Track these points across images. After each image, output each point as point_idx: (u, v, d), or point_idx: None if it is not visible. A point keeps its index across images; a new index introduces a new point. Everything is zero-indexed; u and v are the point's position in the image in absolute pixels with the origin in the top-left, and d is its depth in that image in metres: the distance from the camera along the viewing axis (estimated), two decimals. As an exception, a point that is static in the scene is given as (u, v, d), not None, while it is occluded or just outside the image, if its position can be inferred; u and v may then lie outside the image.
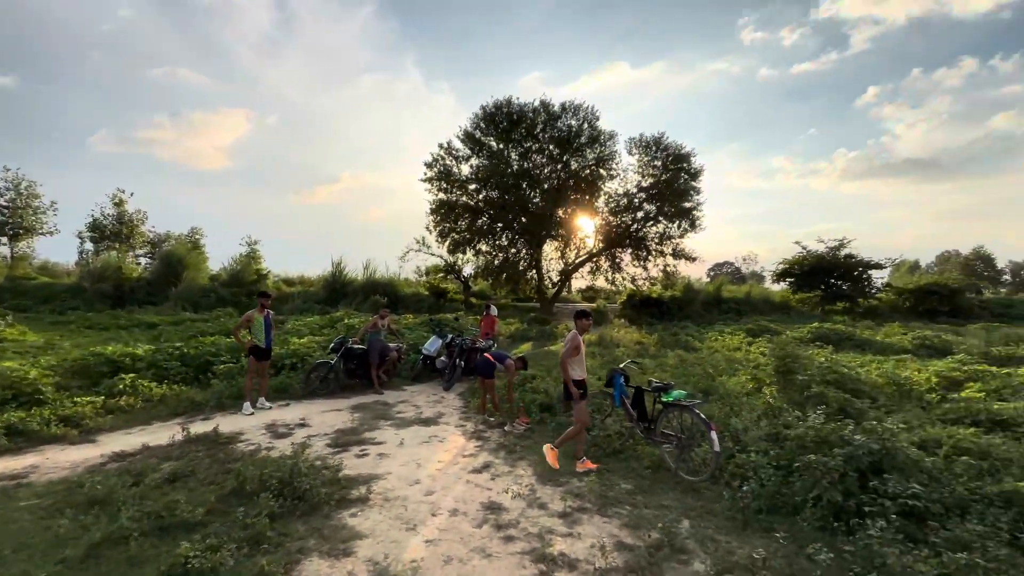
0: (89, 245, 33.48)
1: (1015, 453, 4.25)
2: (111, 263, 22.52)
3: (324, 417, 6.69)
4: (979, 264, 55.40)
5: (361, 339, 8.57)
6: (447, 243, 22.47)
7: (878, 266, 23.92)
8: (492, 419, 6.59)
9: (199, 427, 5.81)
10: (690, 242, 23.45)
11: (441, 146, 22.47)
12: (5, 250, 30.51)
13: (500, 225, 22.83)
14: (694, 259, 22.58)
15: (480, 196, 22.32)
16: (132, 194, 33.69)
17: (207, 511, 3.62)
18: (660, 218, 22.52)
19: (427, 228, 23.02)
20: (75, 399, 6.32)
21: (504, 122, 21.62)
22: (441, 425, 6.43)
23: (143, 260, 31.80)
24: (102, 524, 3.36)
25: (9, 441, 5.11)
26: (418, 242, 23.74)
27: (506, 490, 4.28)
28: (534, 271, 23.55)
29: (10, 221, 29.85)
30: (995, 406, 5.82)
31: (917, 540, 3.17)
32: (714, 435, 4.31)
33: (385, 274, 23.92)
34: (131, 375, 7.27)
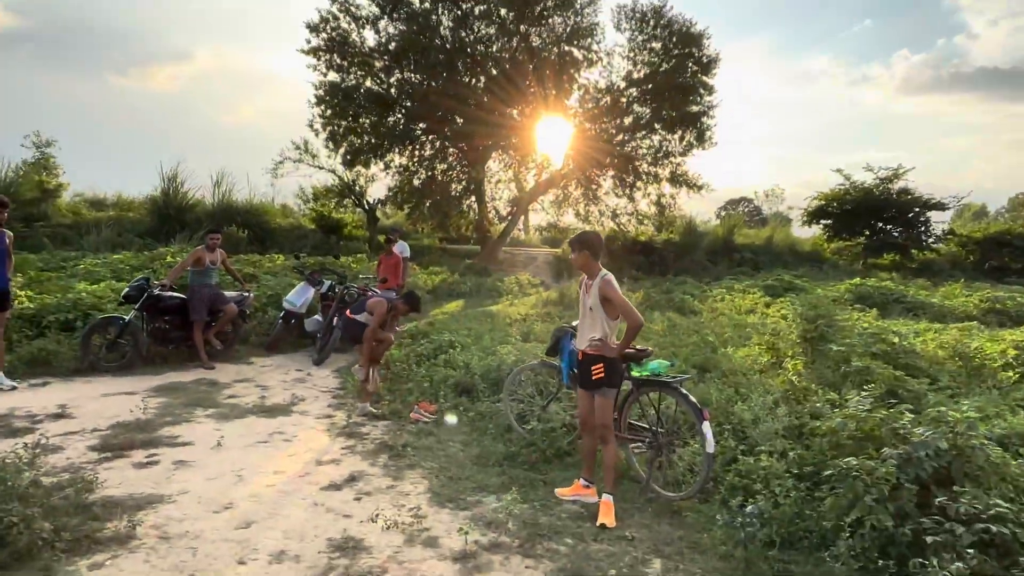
0: None
1: None
2: None
3: (101, 404, 5.85)
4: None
5: (174, 281, 7.59)
6: (341, 151, 21.07)
7: (940, 206, 24.83)
8: (376, 409, 5.96)
9: None
10: (696, 163, 23.30)
11: None
12: None
13: (422, 127, 21.61)
14: (700, 187, 22.47)
15: (392, 79, 20.87)
16: None
17: None
18: (656, 126, 22.04)
19: (311, 127, 21.42)
20: None
21: (432, -35, 20.04)
22: (294, 416, 5.76)
23: None
24: None
25: None
26: (298, 149, 22.19)
27: (375, 516, 3.69)
28: (473, 198, 22.71)
29: None
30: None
31: (1003, 587, 2.86)
32: (707, 428, 3.86)
33: (249, 197, 22.42)
34: None
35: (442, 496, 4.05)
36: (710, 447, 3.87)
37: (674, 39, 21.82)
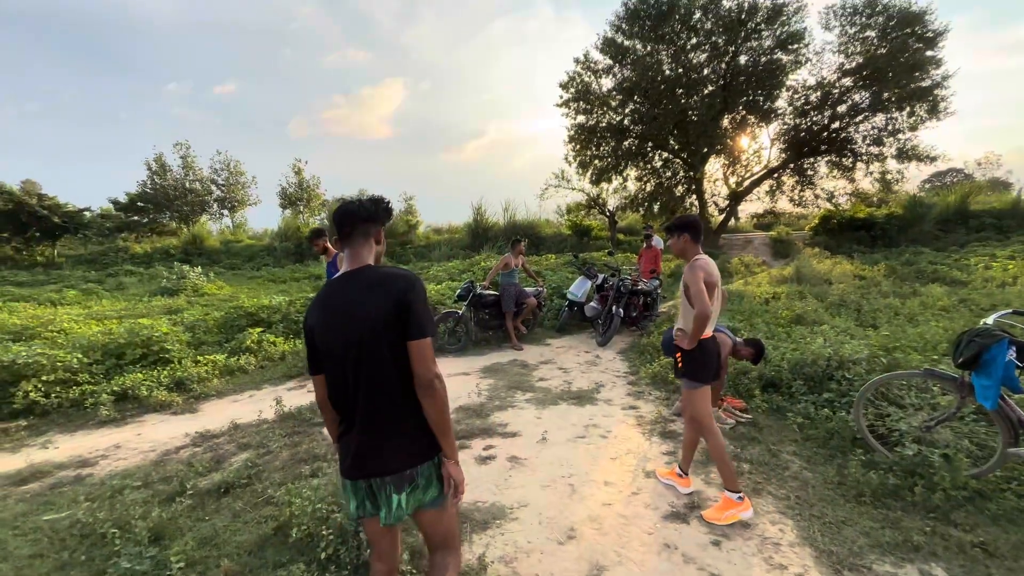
0: (286, 212, 38.63)
1: None
2: (291, 224, 24.90)
3: (448, 385, 5.10)
4: None
5: (492, 283, 6.79)
6: (589, 173, 19.55)
7: None
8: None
9: (297, 397, 4.64)
10: (928, 135, 16.82)
11: (577, 60, 19.07)
12: (227, 220, 36.66)
13: (650, 145, 19.02)
14: (933, 159, 16.11)
15: (625, 111, 18.62)
16: (307, 162, 37.37)
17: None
18: (877, 109, 16.28)
19: (566, 159, 20.33)
20: (200, 358, 5.70)
21: (651, 16, 17.26)
22: (600, 404, 4.32)
23: (319, 220, 35.41)
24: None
25: (113, 410, 4.44)
26: (557, 176, 21.32)
27: (753, 583, 2.00)
28: (694, 196, 19.47)
29: (227, 196, 35.51)
30: None
31: None
32: None
33: (526, 216, 22.43)
34: (258, 329, 6.59)
35: (830, 556, 2.18)
36: None
37: (892, 22, 15.82)
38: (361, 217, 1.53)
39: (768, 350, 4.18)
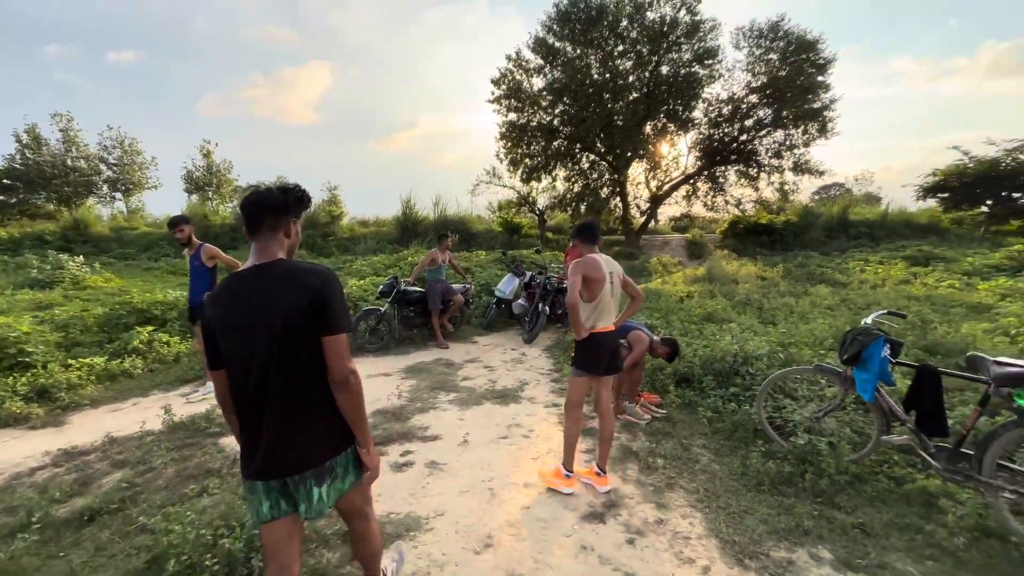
0: (193, 197, 35.00)
1: None
2: (197, 210, 22.64)
3: (365, 386, 4.82)
4: None
5: (417, 279, 6.55)
6: (520, 171, 19.70)
7: (1080, 170, 17.78)
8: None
9: (193, 405, 4.16)
10: (818, 152, 18.82)
11: (509, 58, 19.10)
12: (121, 205, 32.56)
13: (579, 146, 19.53)
14: (822, 172, 18.03)
15: (555, 112, 18.95)
16: (217, 144, 34.16)
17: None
18: (777, 125, 17.93)
19: (497, 156, 20.35)
20: (72, 361, 4.93)
21: (581, 20, 17.69)
22: (524, 403, 4.29)
23: (230, 207, 32.58)
24: None
25: (-50, 426, 3.70)
26: (489, 173, 21.27)
27: (666, 580, 2.04)
28: (619, 198, 20.29)
29: (120, 177, 31.50)
30: None
31: None
32: None
33: (457, 211, 22.12)
34: (149, 328, 5.85)
35: (733, 546, 2.28)
36: None
37: (791, 47, 17.51)
38: (270, 208, 1.44)
39: (682, 347, 4.37)
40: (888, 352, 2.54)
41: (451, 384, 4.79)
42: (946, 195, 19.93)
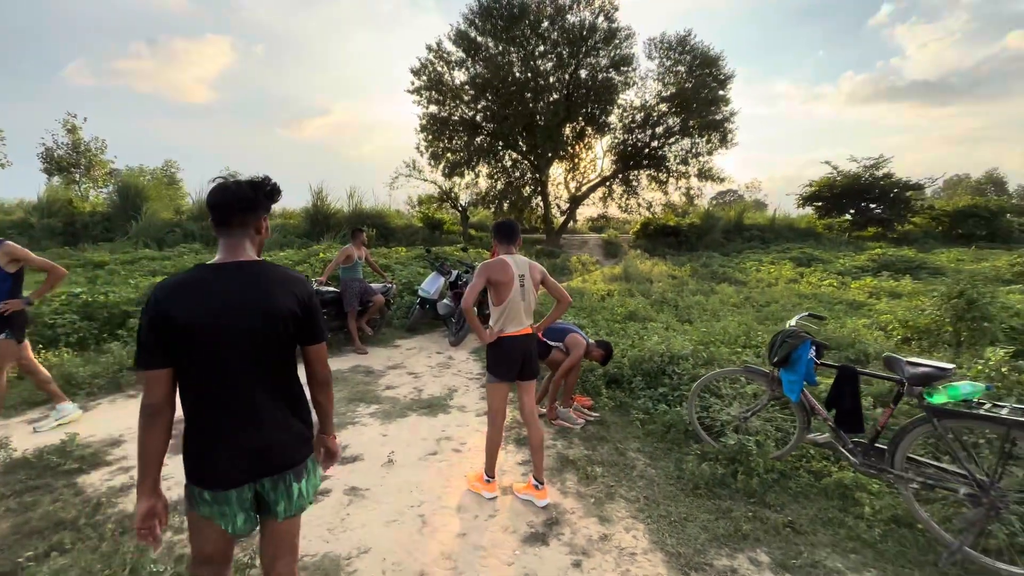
0: (54, 179, 29.75)
1: None
2: (59, 195, 19.25)
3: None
4: (990, 188, 52.27)
5: (331, 277, 5.98)
6: (441, 166, 19.17)
7: (918, 187, 21.16)
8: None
9: (39, 437, 3.36)
10: (719, 161, 20.49)
11: (430, 48, 18.49)
12: (-49, 185, 26.79)
13: (501, 144, 19.46)
14: (723, 179, 19.64)
15: (478, 107, 18.69)
16: (86, 119, 29.38)
17: None
18: (684, 134, 19.22)
19: (417, 149, 19.63)
20: None
21: (503, 17, 17.59)
22: (453, 413, 4.02)
23: (105, 194, 28.29)
24: None
25: None
26: (408, 166, 20.44)
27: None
28: (540, 198, 20.55)
29: (-50, 151, 25.94)
30: None
31: None
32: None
33: (374, 205, 20.98)
34: None
35: (679, 559, 2.22)
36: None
37: (696, 61, 18.88)
38: (239, 205, 1.39)
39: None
40: (813, 354, 2.66)
41: (372, 395, 4.38)
42: (820, 204, 22.76)
